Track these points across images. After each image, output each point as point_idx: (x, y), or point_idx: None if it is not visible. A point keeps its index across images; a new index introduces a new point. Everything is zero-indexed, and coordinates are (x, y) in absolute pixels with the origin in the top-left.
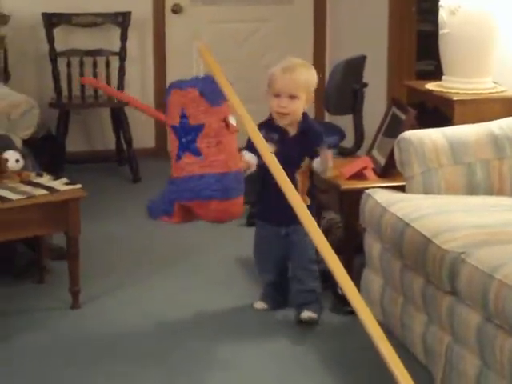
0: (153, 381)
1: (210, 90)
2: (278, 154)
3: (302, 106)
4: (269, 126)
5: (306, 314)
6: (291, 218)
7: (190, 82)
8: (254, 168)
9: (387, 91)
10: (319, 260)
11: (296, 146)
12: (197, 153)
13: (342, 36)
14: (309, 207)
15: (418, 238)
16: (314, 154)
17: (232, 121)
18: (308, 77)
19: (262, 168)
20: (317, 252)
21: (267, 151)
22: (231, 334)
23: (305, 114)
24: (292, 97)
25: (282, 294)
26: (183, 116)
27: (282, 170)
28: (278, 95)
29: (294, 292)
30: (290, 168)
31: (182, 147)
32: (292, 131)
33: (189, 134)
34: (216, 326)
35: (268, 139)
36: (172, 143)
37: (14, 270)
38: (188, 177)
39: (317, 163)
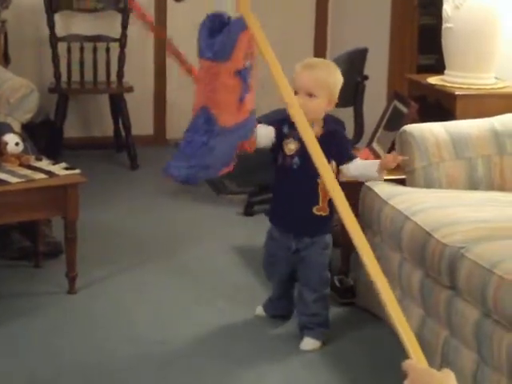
0: (150, 367)
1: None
2: (299, 154)
3: (321, 105)
4: (292, 123)
5: (307, 345)
6: (302, 227)
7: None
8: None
9: (388, 84)
10: None
11: (320, 144)
12: (249, 90)
13: (343, 28)
14: (326, 218)
15: (417, 232)
16: (343, 159)
17: None
18: (329, 76)
19: (280, 166)
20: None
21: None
22: (225, 323)
23: (327, 117)
24: (310, 95)
25: (285, 308)
26: (247, 57)
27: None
28: (295, 92)
29: (297, 311)
30: (313, 171)
31: (246, 88)
32: (316, 131)
33: (249, 73)
34: (213, 315)
35: (290, 136)
36: (231, 91)
37: (6, 255)
38: (249, 116)
39: (356, 169)
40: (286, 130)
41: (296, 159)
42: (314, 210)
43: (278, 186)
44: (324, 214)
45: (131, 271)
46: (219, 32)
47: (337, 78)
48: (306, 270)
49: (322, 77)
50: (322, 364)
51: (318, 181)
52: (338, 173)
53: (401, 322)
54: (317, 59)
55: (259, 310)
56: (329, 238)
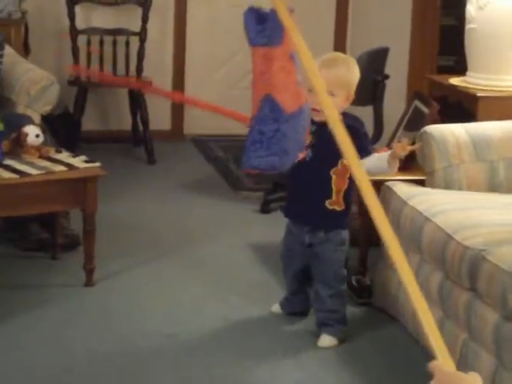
0: (163, 360)
1: None
2: (313, 148)
3: (338, 103)
4: None
5: (324, 342)
6: (315, 221)
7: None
8: None
9: (407, 84)
10: None
11: (333, 140)
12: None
13: (363, 27)
14: (341, 213)
15: (438, 234)
16: (359, 154)
17: None
18: (348, 74)
19: None
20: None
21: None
22: (239, 320)
23: (344, 114)
24: (330, 94)
25: (302, 305)
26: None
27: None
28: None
29: (314, 308)
30: (325, 164)
31: (299, 71)
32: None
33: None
34: (228, 311)
35: None
36: (290, 74)
37: (24, 246)
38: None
39: (370, 161)
40: None
41: (308, 151)
42: (327, 204)
43: (292, 179)
44: (338, 209)
45: (147, 265)
46: (264, 19)
47: (355, 74)
48: (320, 266)
49: (342, 75)
50: (338, 362)
51: (331, 174)
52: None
53: (429, 322)
54: (335, 54)
55: (276, 308)
56: (345, 234)
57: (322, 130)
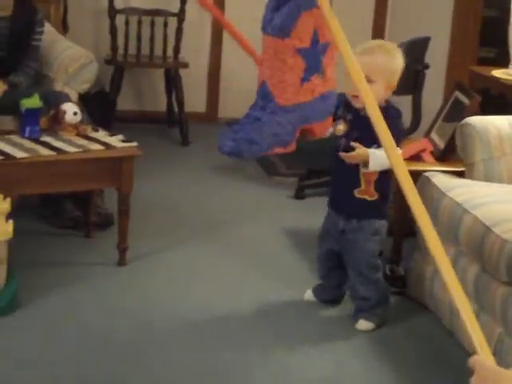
0: (193, 346)
1: None
2: (345, 136)
3: (379, 91)
4: (346, 104)
5: (361, 325)
6: (348, 209)
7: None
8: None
9: (446, 75)
10: None
11: (365, 127)
12: (321, 72)
13: (402, 16)
14: (374, 203)
15: (476, 226)
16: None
17: None
18: (388, 61)
19: (334, 147)
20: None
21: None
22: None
23: (388, 102)
24: (368, 80)
25: (334, 292)
26: (315, 35)
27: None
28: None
29: (350, 296)
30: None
31: (312, 69)
32: (365, 112)
33: (320, 54)
34: (259, 294)
35: (341, 117)
36: (290, 70)
37: (58, 224)
38: (318, 98)
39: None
40: (339, 111)
41: (343, 140)
42: (356, 193)
43: (332, 167)
44: (370, 199)
45: (180, 247)
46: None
47: (397, 63)
48: (352, 253)
49: (382, 62)
50: (370, 350)
51: (359, 163)
52: None
53: (469, 316)
54: (376, 42)
55: (308, 295)
56: (379, 224)
57: (357, 119)
